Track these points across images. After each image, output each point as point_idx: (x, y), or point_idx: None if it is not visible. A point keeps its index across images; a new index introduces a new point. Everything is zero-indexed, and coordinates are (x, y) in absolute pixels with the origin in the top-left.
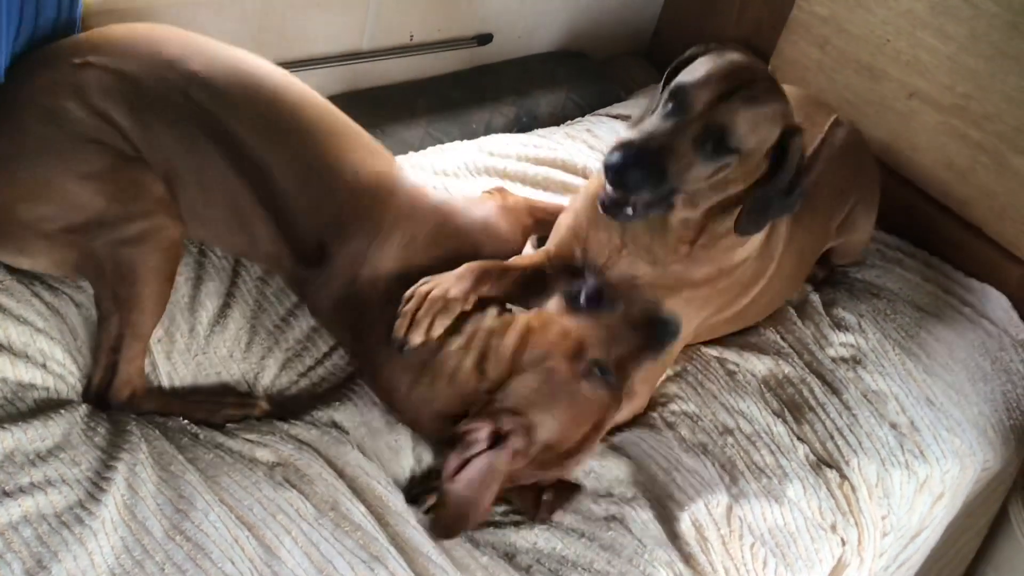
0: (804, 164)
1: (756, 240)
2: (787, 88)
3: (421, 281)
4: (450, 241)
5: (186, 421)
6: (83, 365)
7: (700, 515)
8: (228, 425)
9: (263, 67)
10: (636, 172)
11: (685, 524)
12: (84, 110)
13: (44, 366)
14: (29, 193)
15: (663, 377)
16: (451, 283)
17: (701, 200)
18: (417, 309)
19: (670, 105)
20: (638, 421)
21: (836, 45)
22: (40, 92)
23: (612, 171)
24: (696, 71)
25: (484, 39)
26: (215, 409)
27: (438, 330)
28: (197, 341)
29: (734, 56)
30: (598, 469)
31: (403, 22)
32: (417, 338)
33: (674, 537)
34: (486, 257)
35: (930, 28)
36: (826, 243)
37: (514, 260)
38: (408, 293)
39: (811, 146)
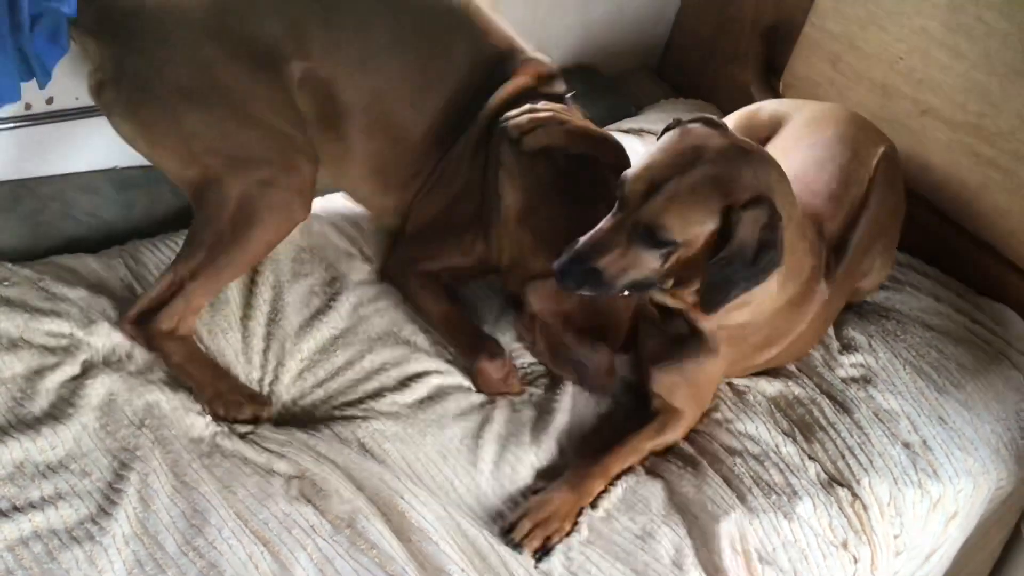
0: (773, 235)
1: (776, 295)
2: (830, 108)
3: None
4: None
5: (202, 420)
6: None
7: (733, 531)
8: (248, 433)
9: None
10: (571, 278)
11: (723, 541)
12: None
13: (52, 346)
14: (196, 114)
15: (709, 398)
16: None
17: (677, 278)
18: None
19: (618, 196)
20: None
21: (849, 62)
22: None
23: (556, 274)
24: (641, 159)
25: None
26: (233, 392)
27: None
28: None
29: (688, 136)
30: (635, 489)
31: None
32: (530, 549)
33: (708, 553)
34: None
35: (944, 46)
36: (857, 283)
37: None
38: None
39: (859, 181)
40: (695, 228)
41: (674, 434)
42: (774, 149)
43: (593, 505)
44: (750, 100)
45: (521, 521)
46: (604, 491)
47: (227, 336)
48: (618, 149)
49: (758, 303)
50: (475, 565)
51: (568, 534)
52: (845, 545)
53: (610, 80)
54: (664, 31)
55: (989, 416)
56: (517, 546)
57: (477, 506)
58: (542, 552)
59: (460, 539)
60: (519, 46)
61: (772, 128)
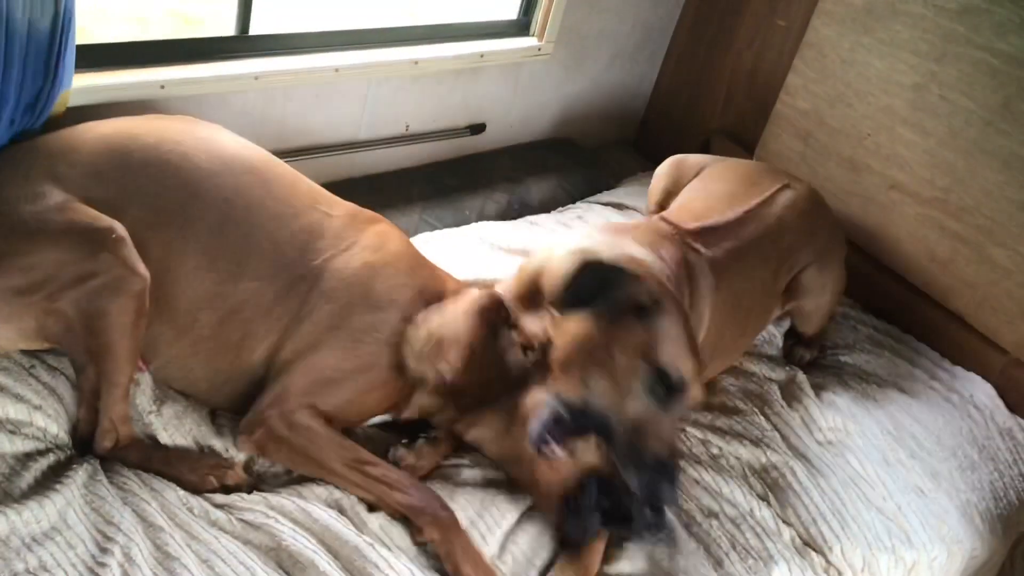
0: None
1: None
2: (739, 163)
3: None
4: None
5: (182, 492)
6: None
7: None
8: (223, 503)
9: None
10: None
11: None
12: (59, 191)
13: (41, 438)
14: None
15: None
16: None
17: None
18: None
19: None
20: None
21: (818, 138)
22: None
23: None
24: None
25: (477, 128)
26: (195, 468)
27: None
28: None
29: None
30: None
31: (399, 113)
32: None
33: None
34: None
35: (909, 124)
36: (773, 304)
37: None
38: None
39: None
40: None
41: None
42: (696, 185)
43: None
44: None
45: None
46: None
47: (184, 421)
48: None
49: None
50: None
51: None
52: None
53: (588, 153)
54: (640, 106)
55: (964, 485)
56: None
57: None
58: None
59: None
60: None
61: (696, 170)
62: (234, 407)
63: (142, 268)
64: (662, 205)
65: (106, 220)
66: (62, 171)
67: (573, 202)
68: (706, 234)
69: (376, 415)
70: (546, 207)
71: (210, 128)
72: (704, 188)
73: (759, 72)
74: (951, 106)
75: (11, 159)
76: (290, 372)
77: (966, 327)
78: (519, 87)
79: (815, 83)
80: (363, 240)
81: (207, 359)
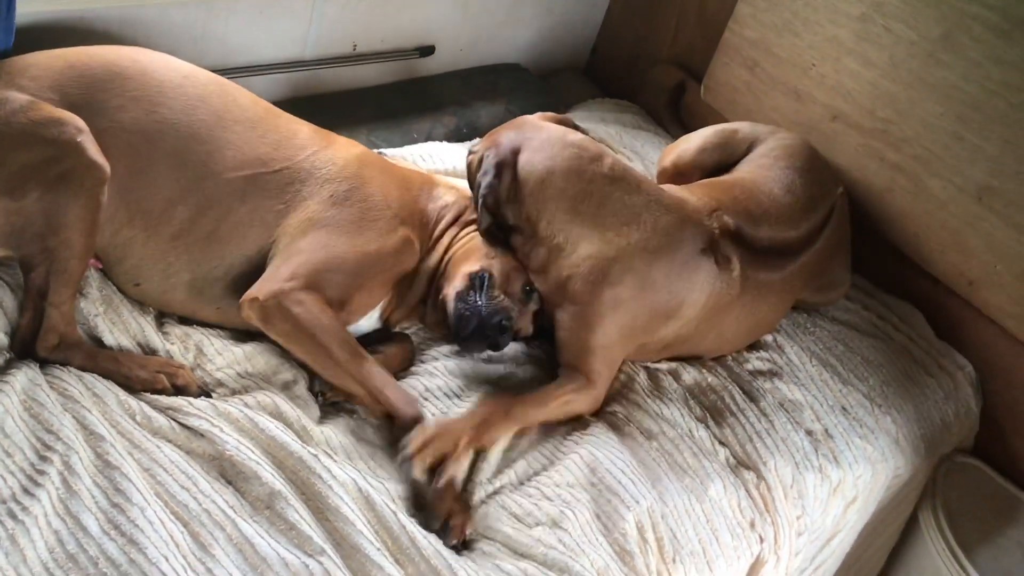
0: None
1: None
2: (800, 143)
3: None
4: None
5: (124, 398)
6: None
7: (642, 516)
8: (169, 406)
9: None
10: None
11: (629, 524)
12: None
13: None
14: None
15: (611, 375)
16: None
17: None
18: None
19: None
20: (588, 429)
21: (765, 68)
22: None
23: None
24: None
25: (426, 51)
26: (145, 366)
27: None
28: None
29: None
30: (553, 474)
31: (346, 32)
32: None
33: (615, 536)
34: None
35: (853, 54)
36: (798, 296)
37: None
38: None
39: (819, 210)
40: None
41: (584, 400)
42: (751, 163)
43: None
44: (671, 98)
45: (415, 438)
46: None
47: (129, 325)
48: None
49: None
50: (388, 545)
51: (471, 475)
52: (752, 525)
53: (537, 79)
54: (591, 34)
55: (889, 407)
56: (409, 460)
57: (391, 482)
58: (434, 474)
59: (372, 518)
60: None
61: (747, 146)
62: (209, 313)
63: (102, 160)
64: (680, 172)
65: (68, 114)
66: (25, 84)
67: None
68: (765, 258)
69: (371, 308)
70: None
71: (164, 54)
72: (772, 175)
73: (709, 1)
74: (894, 37)
75: None
76: (298, 253)
77: (898, 256)
78: (469, 10)
79: (763, 12)
80: (339, 141)
81: (189, 256)
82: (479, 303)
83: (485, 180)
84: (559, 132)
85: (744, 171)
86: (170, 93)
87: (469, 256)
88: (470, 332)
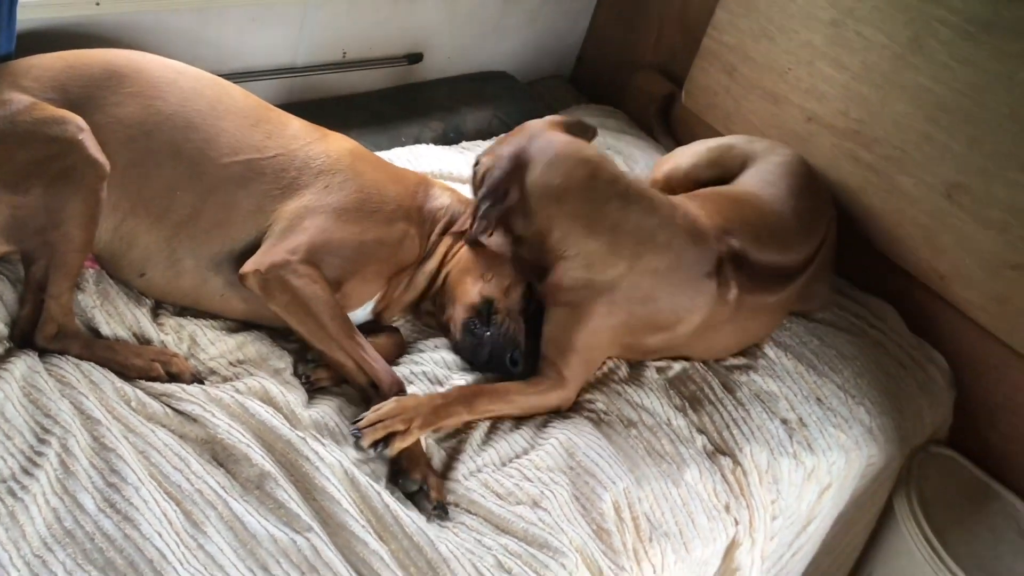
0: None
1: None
2: (796, 159)
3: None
4: None
5: (119, 385)
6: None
7: (619, 497)
8: (163, 392)
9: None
10: None
11: (607, 504)
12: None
13: None
14: None
15: (587, 376)
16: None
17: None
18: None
19: None
20: (567, 416)
21: (743, 72)
22: None
23: None
24: None
25: (415, 58)
26: (141, 354)
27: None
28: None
29: None
30: (533, 457)
31: (336, 40)
32: (367, 443)
33: (593, 515)
34: None
35: (827, 58)
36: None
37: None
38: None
39: (817, 233)
40: None
41: (552, 400)
42: (756, 177)
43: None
44: (660, 109)
45: (370, 413)
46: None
47: (124, 316)
48: None
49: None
50: (372, 523)
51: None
52: (727, 508)
53: (524, 86)
54: (577, 41)
55: (863, 398)
56: (358, 436)
57: (375, 462)
58: (381, 446)
59: (357, 497)
60: None
61: (741, 162)
62: (213, 300)
63: (102, 157)
64: (672, 185)
65: (70, 114)
66: (27, 85)
67: (508, 131)
68: (763, 282)
69: (365, 299)
70: (482, 136)
71: (158, 56)
72: (774, 192)
73: (690, 8)
74: (865, 41)
75: None
76: (301, 231)
77: (872, 253)
78: (456, 18)
79: (741, 18)
80: (331, 135)
81: (192, 242)
82: (487, 334)
83: (491, 194)
84: (573, 148)
85: (752, 185)
86: (165, 88)
87: (468, 273)
88: (482, 364)
